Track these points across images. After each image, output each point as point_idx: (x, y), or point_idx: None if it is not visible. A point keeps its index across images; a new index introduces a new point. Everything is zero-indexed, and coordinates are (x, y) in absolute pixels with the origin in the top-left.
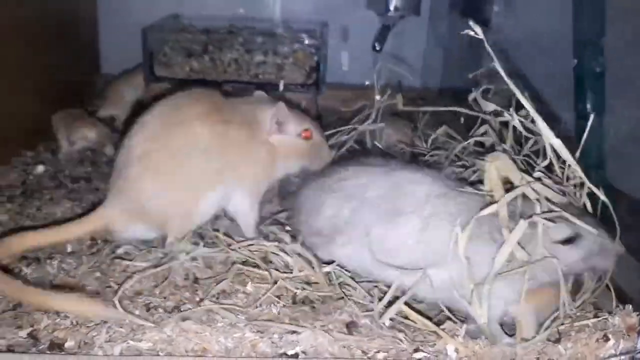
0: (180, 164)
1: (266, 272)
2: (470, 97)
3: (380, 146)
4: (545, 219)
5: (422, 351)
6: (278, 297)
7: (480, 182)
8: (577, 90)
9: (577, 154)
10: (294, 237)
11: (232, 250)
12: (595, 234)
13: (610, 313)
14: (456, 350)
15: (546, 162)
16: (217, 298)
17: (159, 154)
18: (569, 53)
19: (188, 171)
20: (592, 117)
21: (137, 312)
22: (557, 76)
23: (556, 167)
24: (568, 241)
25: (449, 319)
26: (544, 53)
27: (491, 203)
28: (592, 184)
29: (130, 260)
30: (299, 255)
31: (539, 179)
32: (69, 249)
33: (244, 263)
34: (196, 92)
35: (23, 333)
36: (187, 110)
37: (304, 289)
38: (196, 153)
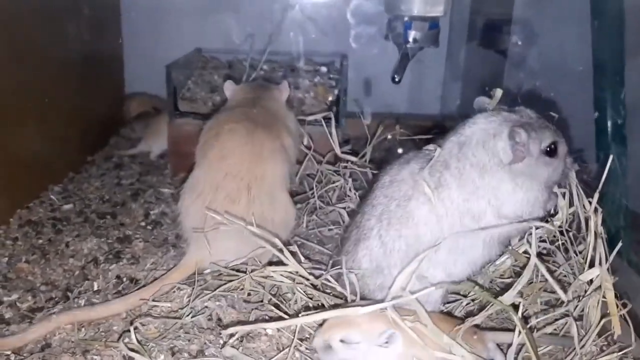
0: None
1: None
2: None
3: None
4: None
5: None
6: (300, 340)
7: None
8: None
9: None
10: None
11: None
12: None
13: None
14: None
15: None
16: (241, 341)
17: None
18: (588, 81)
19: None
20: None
21: (162, 357)
22: (576, 103)
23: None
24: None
25: None
26: (562, 81)
27: None
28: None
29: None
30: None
31: None
32: (96, 287)
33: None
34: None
35: None
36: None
37: None
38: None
